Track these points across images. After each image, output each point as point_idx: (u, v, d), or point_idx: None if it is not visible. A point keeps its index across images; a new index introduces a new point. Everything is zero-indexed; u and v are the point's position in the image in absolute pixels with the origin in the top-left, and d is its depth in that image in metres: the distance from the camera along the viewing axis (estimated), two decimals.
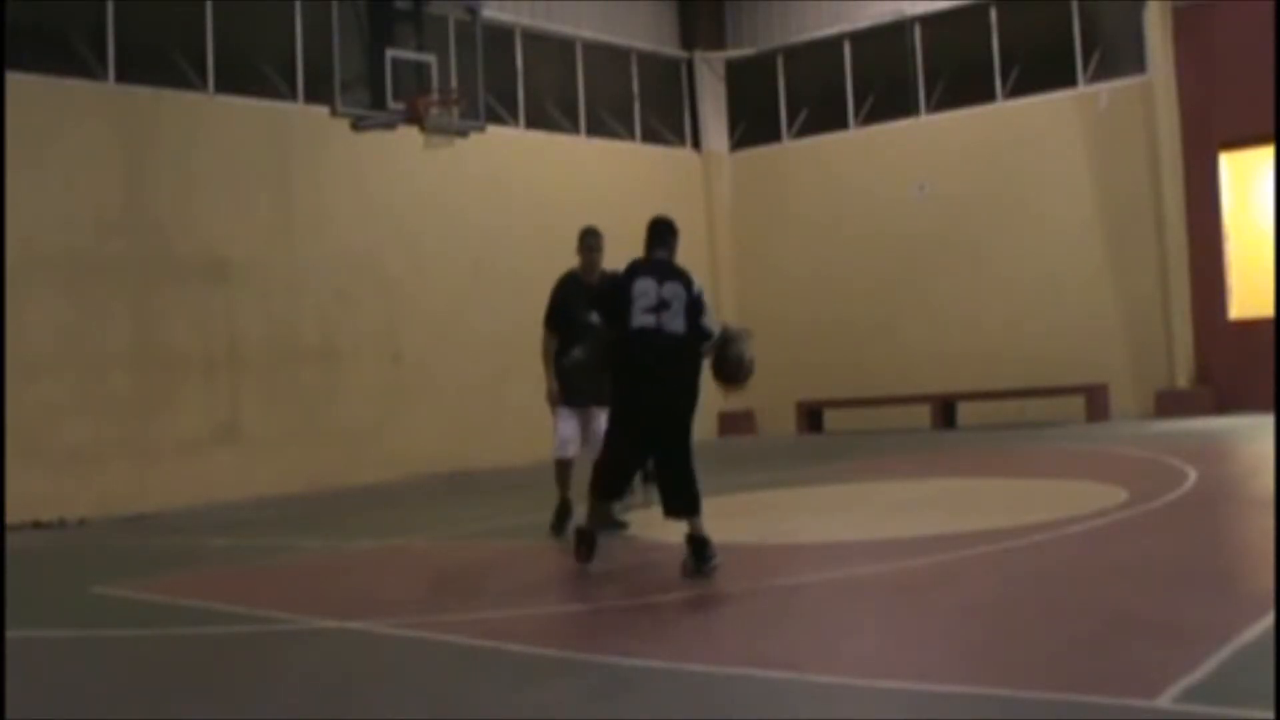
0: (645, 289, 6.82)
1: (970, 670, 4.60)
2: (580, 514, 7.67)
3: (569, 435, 8.68)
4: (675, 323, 6.79)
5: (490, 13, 15.66)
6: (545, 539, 8.65)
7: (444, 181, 16.23)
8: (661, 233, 7.16)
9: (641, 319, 6.76)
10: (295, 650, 5.81)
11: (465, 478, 15.15)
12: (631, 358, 6.86)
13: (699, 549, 6.65)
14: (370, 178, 15.76)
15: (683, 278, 6.94)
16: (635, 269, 7.00)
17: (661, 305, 6.79)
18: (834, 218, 19.79)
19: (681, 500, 6.78)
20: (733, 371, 7.04)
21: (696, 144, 21.08)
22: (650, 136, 20.37)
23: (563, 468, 8.77)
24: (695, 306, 6.86)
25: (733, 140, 21.29)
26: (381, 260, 15.88)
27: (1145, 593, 5.79)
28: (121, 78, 13.92)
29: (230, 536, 10.63)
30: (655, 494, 7.12)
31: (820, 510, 10.33)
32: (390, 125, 13.49)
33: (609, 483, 7.07)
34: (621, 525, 8.44)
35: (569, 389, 8.60)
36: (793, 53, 20.80)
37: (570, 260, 8.93)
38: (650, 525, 6.88)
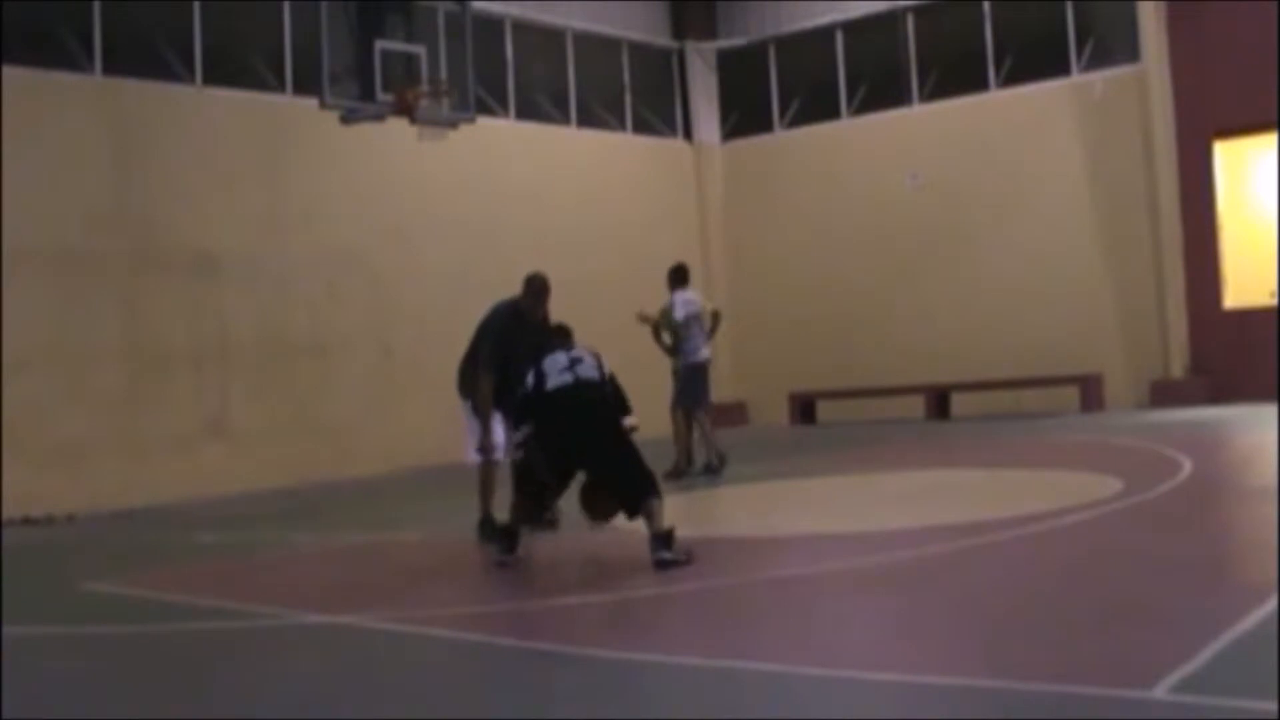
0: (555, 360, 7.28)
1: (966, 662, 4.57)
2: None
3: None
4: (589, 371, 7.24)
5: (480, 3, 15.57)
6: (534, 533, 8.58)
7: (434, 173, 16.13)
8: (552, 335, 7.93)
9: (558, 379, 7.18)
10: (284, 646, 5.76)
11: (455, 472, 15.05)
12: (550, 415, 7.17)
13: (661, 540, 6.81)
14: (360, 170, 15.67)
15: (592, 355, 7.43)
16: (540, 355, 7.47)
17: (575, 362, 7.25)
18: (826, 207, 19.73)
19: (634, 498, 7.01)
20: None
21: (688, 135, 20.99)
22: (641, 127, 20.28)
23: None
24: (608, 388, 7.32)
25: (724, 131, 21.20)
26: (371, 253, 15.78)
27: (1141, 583, 5.76)
28: (108, 70, 13.81)
29: (219, 531, 10.57)
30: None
31: (813, 502, 10.30)
32: (379, 117, 13.40)
33: (532, 511, 7.56)
34: (552, 524, 8.44)
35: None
36: (785, 42, 20.72)
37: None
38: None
